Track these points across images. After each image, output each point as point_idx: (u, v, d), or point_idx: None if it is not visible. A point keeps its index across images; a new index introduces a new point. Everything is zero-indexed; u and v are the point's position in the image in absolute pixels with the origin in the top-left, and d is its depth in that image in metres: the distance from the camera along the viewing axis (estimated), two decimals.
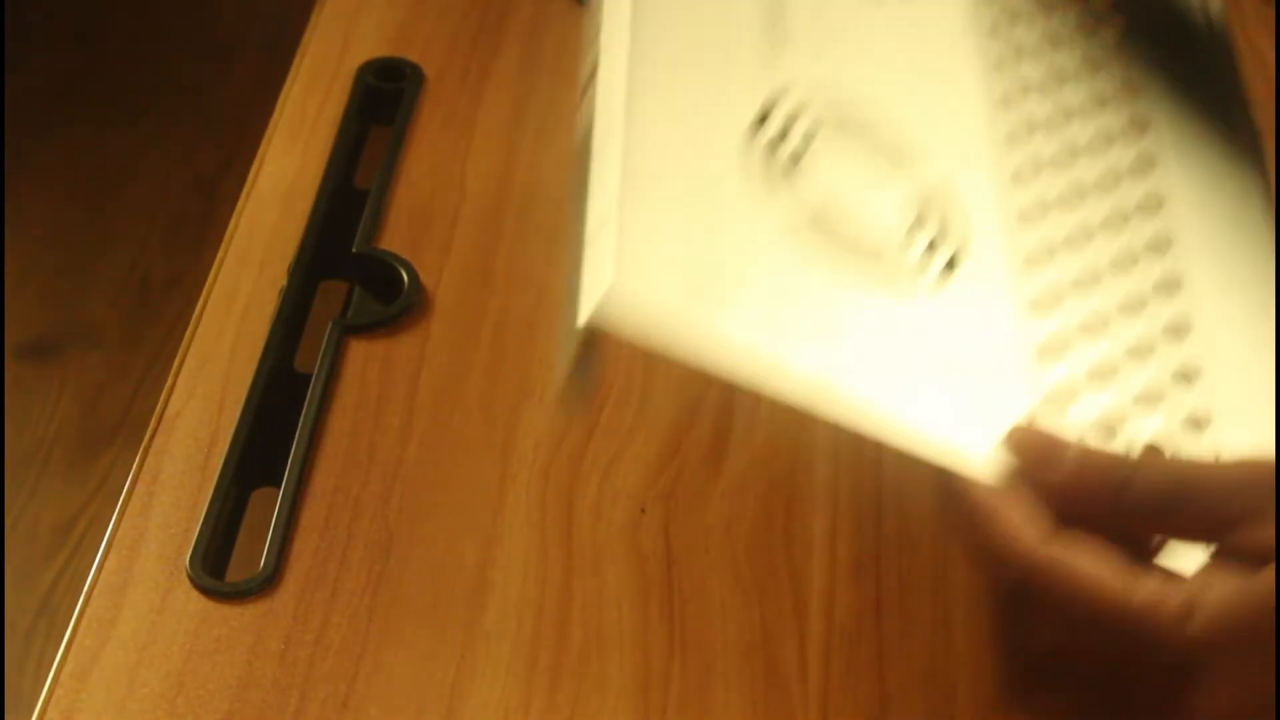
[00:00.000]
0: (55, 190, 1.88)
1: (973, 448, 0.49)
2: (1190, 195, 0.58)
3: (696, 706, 0.53)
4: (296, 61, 0.78)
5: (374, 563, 0.57)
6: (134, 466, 0.59)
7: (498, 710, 0.53)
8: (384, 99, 0.76)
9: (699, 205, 0.51)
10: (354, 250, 0.68)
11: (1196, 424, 0.53)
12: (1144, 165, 0.59)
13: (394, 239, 0.69)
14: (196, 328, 0.65)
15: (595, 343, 0.49)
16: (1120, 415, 0.52)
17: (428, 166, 0.73)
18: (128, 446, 1.60)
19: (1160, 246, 0.56)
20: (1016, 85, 0.60)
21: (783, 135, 0.54)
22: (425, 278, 0.67)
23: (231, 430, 0.60)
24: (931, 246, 0.54)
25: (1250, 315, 0.56)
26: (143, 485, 0.59)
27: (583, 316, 0.48)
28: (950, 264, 0.54)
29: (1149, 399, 0.53)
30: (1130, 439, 0.52)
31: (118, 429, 1.63)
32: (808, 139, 0.54)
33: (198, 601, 0.55)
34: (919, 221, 0.54)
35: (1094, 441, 0.50)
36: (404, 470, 0.60)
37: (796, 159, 0.54)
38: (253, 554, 0.57)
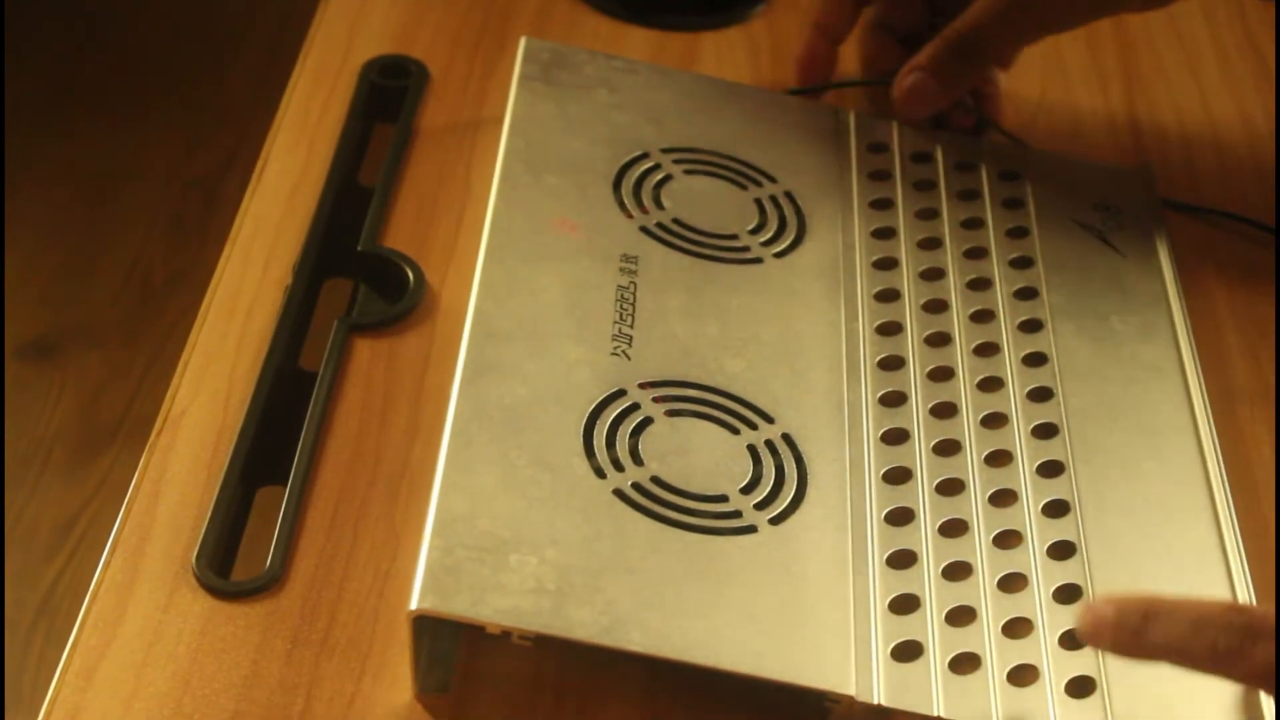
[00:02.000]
0: (55, 190, 1.88)
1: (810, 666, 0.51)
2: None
3: None
4: (301, 59, 0.78)
5: (380, 562, 0.57)
6: (139, 465, 0.59)
7: (501, 710, 0.53)
8: (388, 97, 0.76)
9: (530, 490, 0.54)
10: (359, 248, 0.68)
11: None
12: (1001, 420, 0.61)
13: (399, 237, 0.69)
14: (201, 326, 0.65)
15: (433, 629, 0.51)
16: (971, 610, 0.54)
17: (432, 164, 0.73)
18: (128, 446, 1.60)
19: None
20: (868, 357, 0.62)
21: (615, 434, 0.57)
22: (431, 276, 0.67)
23: (237, 428, 0.60)
24: (773, 488, 0.56)
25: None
26: (148, 483, 0.58)
27: (413, 602, 0.50)
28: (794, 501, 0.56)
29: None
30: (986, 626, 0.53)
31: (118, 429, 1.63)
32: (642, 429, 0.57)
33: (203, 600, 0.55)
34: (759, 467, 0.56)
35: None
36: (410, 469, 0.60)
37: (633, 451, 0.56)
38: (259, 553, 0.57)
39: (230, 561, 0.58)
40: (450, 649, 0.53)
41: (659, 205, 0.66)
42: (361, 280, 0.67)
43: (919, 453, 0.58)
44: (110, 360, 1.70)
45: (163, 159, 1.92)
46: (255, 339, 0.64)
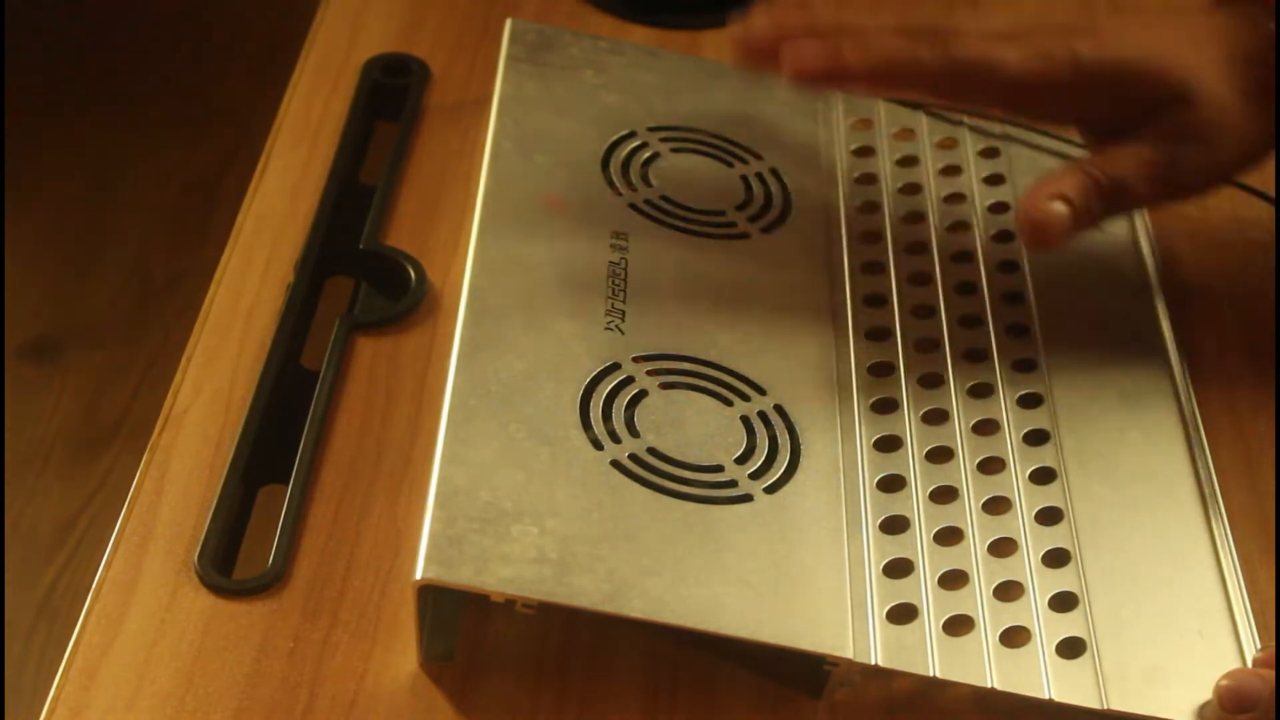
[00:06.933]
0: (55, 190, 1.88)
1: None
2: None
3: None
4: (302, 58, 0.78)
5: (382, 560, 0.57)
6: (142, 463, 0.59)
7: (505, 709, 0.53)
8: (390, 95, 0.76)
9: (531, 461, 0.54)
10: (361, 247, 0.68)
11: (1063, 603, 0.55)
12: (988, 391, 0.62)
13: (401, 235, 0.69)
14: (203, 324, 0.65)
15: (436, 599, 0.51)
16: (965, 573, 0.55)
17: (434, 162, 0.73)
18: (128, 446, 1.60)
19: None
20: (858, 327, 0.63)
21: (611, 405, 0.57)
22: (432, 274, 0.67)
23: (239, 427, 0.60)
24: (767, 458, 0.57)
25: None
26: (150, 482, 0.58)
27: (418, 572, 0.50)
28: (787, 470, 0.56)
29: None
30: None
31: (118, 429, 1.63)
32: (636, 403, 0.57)
33: (206, 598, 0.55)
34: (753, 437, 0.57)
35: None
36: (412, 467, 0.60)
37: (629, 423, 0.56)
38: (261, 551, 0.57)
39: (232, 560, 0.58)
40: (453, 618, 0.53)
41: (647, 183, 0.67)
42: (363, 278, 0.67)
43: (908, 422, 0.59)
44: (110, 360, 1.69)
45: (163, 159, 1.92)
46: (257, 337, 0.64)
